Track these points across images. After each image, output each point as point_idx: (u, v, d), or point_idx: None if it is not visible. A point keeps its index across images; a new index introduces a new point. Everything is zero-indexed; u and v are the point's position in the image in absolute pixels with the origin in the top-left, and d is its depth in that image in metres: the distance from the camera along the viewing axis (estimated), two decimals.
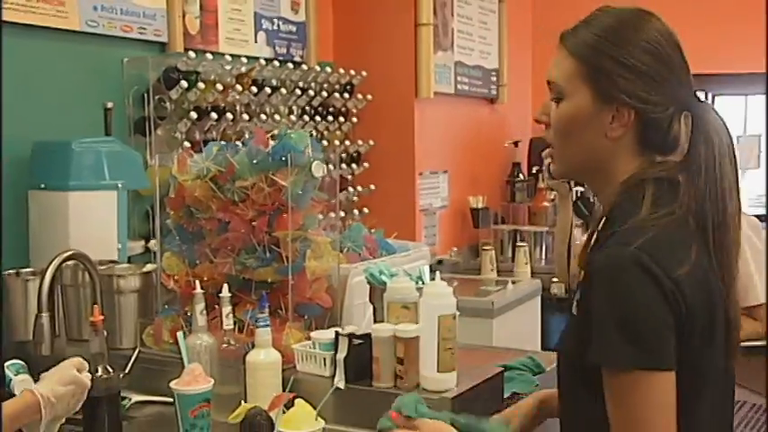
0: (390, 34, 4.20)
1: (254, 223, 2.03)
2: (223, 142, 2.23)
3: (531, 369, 2.34)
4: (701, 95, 1.32)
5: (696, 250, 1.20)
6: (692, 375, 1.19)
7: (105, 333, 1.74)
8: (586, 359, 1.20)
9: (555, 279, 4.11)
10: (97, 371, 1.71)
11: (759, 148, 6.45)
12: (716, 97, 6.28)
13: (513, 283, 3.88)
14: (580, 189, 2.25)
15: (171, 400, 2.03)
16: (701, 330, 1.19)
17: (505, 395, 2.04)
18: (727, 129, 1.30)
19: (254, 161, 2.01)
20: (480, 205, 4.59)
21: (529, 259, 4.24)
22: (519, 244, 4.30)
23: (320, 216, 2.09)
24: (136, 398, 2.03)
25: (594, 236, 1.31)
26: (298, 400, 1.62)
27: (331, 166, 2.20)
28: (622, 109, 1.27)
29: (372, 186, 4.13)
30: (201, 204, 2.11)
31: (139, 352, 2.11)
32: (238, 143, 2.16)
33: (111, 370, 1.73)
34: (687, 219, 1.23)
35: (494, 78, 4.93)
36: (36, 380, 1.64)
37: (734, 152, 1.28)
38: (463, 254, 4.46)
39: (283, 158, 1.98)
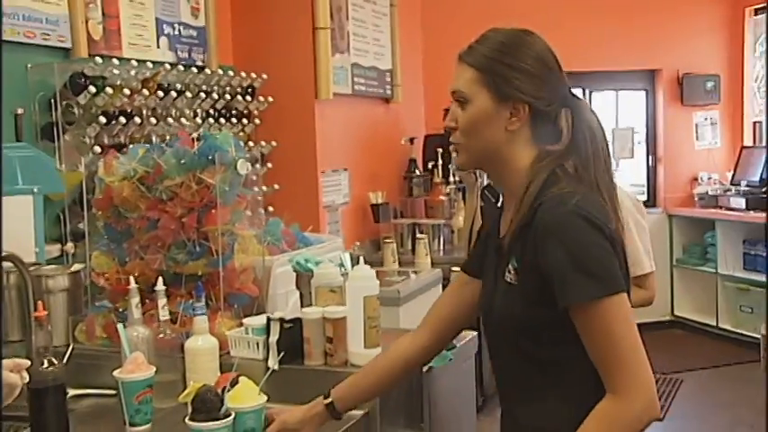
0: (289, 38, 4.34)
1: (183, 220, 2.14)
2: (148, 145, 2.32)
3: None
4: (578, 91, 1.56)
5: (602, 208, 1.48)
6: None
7: (49, 327, 1.81)
8: (555, 307, 1.41)
9: (455, 268, 4.35)
10: (42, 363, 1.78)
11: (632, 139, 6.93)
12: (592, 93, 6.72)
13: (416, 273, 4.09)
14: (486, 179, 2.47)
15: (107, 392, 2.13)
16: (623, 263, 1.48)
17: (424, 369, 2.22)
18: (598, 121, 1.57)
19: (182, 161, 2.13)
20: (380, 201, 4.79)
21: (428, 250, 4.46)
22: (418, 236, 4.52)
23: (249, 212, 2.22)
24: (73, 392, 2.10)
25: (516, 211, 1.51)
26: (242, 378, 1.75)
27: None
28: (518, 105, 1.52)
29: (276, 186, 4.25)
30: (129, 204, 2.20)
31: (73, 348, 2.18)
32: (163, 145, 2.26)
33: (55, 362, 1.81)
34: (591, 189, 1.50)
35: (388, 79, 5.14)
36: None
37: (605, 140, 1.56)
38: (366, 247, 4.65)
39: (210, 158, 2.10)
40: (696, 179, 6.84)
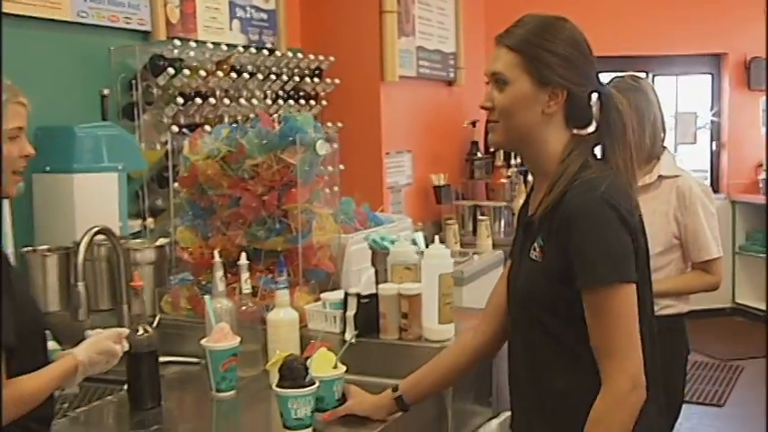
0: (356, 21, 4.41)
1: (264, 198, 2.24)
2: (235, 125, 2.42)
3: None
4: (641, 75, 1.61)
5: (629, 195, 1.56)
6: (638, 288, 1.52)
7: (143, 297, 1.93)
8: (575, 286, 1.49)
9: None
10: (137, 330, 1.90)
11: (695, 124, 6.85)
12: (655, 77, 6.65)
13: (477, 254, 4.15)
14: None
15: (191, 359, 2.25)
16: (641, 255, 1.55)
17: None
18: (626, 104, 1.64)
19: (264, 141, 2.22)
20: (442, 182, 4.84)
21: (490, 232, 4.50)
22: (480, 218, 4.56)
23: (328, 191, 2.30)
24: (160, 359, 2.22)
25: (547, 193, 1.58)
26: (321, 349, 1.84)
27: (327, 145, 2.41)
28: (557, 90, 1.58)
29: (341, 166, 4.33)
30: (213, 182, 2.31)
31: (160, 318, 2.30)
32: (246, 125, 2.35)
33: (149, 329, 1.93)
34: (618, 175, 1.57)
35: (451, 62, 5.18)
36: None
37: (632, 127, 1.63)
38: (428, 228, 4.71)
39: (291, 139, 2.19)
40: (761, 165, 6.73)
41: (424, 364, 2.03)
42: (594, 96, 1.62)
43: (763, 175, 6.65)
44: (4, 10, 2.79)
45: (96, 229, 2.17)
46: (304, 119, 2.23)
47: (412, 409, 1.90)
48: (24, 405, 1.53)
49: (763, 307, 6.42)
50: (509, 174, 5.02)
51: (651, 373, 1.53)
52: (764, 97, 6.70)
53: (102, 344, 1.74)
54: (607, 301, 1.48)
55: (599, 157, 1.63)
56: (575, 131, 1.63)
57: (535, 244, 1.58)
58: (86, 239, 2.11)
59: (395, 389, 1.84)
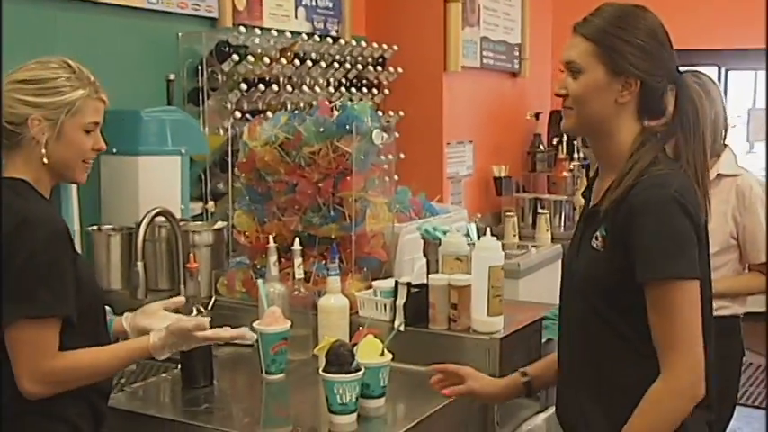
0: (420, 10, 4.41)
1: (319, 185, 2.27)
2: (290, 113, 2.45)
3: None
4: (713, 70, 1.60)
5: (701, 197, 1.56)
6: (701, 285, 1.52)
7: (199, 278, 1.98)
8: (635, 278, 1.49)
9: None
10: (192, 311, 1.96)
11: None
12: (728, 72, 6.47)
13: (536, 247, 4.12)
14: None
15: (245, 342, 2.29)
16: (703, 255, 1.55)
17: (543, 340, 2.29)
18: (700, 99, 1.65)
19: (321, 129, 2.25)
20: (503, 174, 4.82)
21: (549, 226, 4.46)
22: (540, 211, 4.52)
23: (387, 179, 2.32)
24: None
25: (616, 185, 1.57)
26: (368, 336, 1.87)
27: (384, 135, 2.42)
28: (630, 80, 1.58)
29: (402, 155, 4.35)
30: (270, 168, 2.35)
31: (215, 299, 2.36)
32: (303, 113, 2.39)
33: (203, 310, 1.98)
34: (687, 171, 1.57)
35: (516, 53, 5.14)
36: None
37: (705, 119, 1.65)
38: (487, 220, 4.69)
39: (347, 127, 2.22)
40: None
41: (470, 355, 2.05)
42: (670, 88, 1.61)
43: None
44: None
45: (156, 210, 2.23)
46: (361, 108, 2.26)
47: (457, 404, 1.92)
48: (85, 377, 1.60)
49: None
50: (571, 167, 4.96)
51: (706, 371, 1.52)
52: None
53: (183, 329, 1.73)
54: (670, 296, 1.49)
55: (669, 151, 1.62)
56: (646, 123, 1.62)
57: (597, 233, 1.58)
58: (146, 221, 2.18)
59: (524, 374, 1.84)
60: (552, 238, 4.39)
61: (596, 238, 1.58)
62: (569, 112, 1.64)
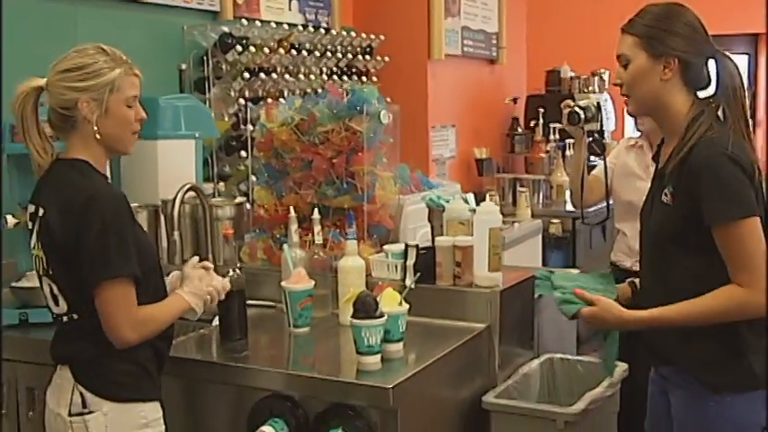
0: (405, 1, 4.68)
1: (333, 161, 2.53)
2: (311, 95, 2.69)
3: (550, 279, 2.88)
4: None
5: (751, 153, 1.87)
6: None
7: (235, 243, 2.22)
8: (703, 223, 1.79)
9: (553, 220, 4.66)
10: (229, 272, 2.20)
11: None
12: None
13: (518, 222, 4.42)
14: (595, 132, 2.77)
15: (268, 303, 2.55)
16: (761, 201, 1.83)
17: (535, 296, 2.57)
18: (738, 69, 1.92)
19: (334, 111, 2.50)
20: (484, 156, 5.11)
21: (529, 203, 4.75)
22: (520, 189, 4.82)
23: (384, 160, 2.58)
24: None
25: (678, 149, 1.87)
26: (387, 289, 2.13)
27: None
28: (669, 59, 1.89)
29: (391, 139, 4.61)
30: (287, 147, 2.60)
31: (240, 266, 2.60)
32: (317, 97, 2.64)
33: (239, 272, 2.23)
34: (735, 131, 1.86)
35: (494, 41, 5.42)
36: None
37: (743, 86, 1.92)
38: None
39: (358, 108, 2.47)
40: None
41: (474, 307, 2.33)
42: (712, 63, 1.90)
43: None
44: None
45: (188, 186, 2.48)
46: (370, 91, 2.52)
47: (463, 348, 2.20)
48: (160, 326, 1.85)
49: None
50: (548, 149, 5.26)
51: None
52: None
53: (213, 290, 2.00)
54: (737, 233, 1.78)
55: (720, 118, 1.89)
56: (698, 94, 1.91)
57: (666, 190, 1.88)
58: (180, 195, 2.42)
59: (632, 282, 2.15)
60: (532, 214, 4.68)
61: (665, 195, 1.89)
62: (629, 99, 1.95)
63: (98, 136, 1.86)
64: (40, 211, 1.84)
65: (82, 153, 1.88)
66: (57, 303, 1.85)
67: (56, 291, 1.84)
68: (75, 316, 1.83)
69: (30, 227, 1.90)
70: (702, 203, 1.80)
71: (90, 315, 1.79)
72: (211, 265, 2.06)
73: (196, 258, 2.08)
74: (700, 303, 1.82)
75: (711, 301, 1.82)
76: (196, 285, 1.96)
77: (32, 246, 1.89)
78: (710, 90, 1.91)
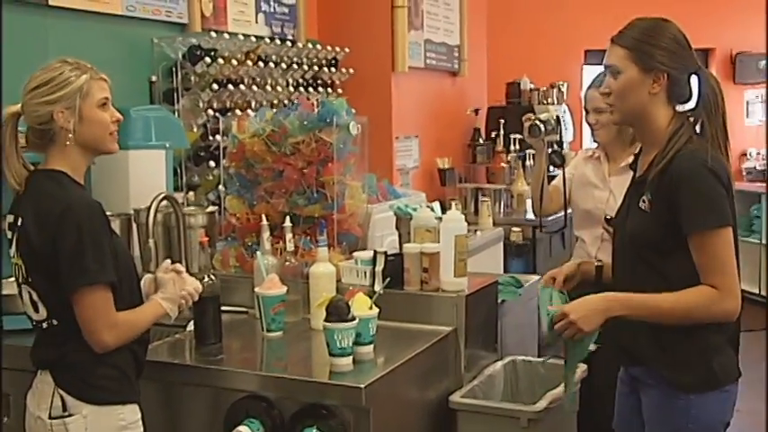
0: (369, 15, 4.78)
1: (304, 171, 2.61)
2: (285, 107, 2.77)
3: (513, 284, 3.01)
4: None
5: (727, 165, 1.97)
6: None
7: (209, 250, 2.29)
8: (679, 230, 1.89)
9: (514, 229, 4.79)
10: (203, 278, 2.27)
11: None
12: None
13: (480, 231, 4.53)
14: (555, 144, 2.90)
15: (239, 309, 2.62)
16: (733, 209, 1.94)
17: (499, 300, 2.68)
18: (718, 85, 2.03)
19: (305, 122, 2.59)
20: (446, 166, 5.22)
21: (491, 212, 4.87)
22: (482, 199, 4.93)
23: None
24: None
25: (659, 159, 1.97)
26: (358, 294, 2.21)
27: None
28: (659, 74, 1.98)
29: (358, 149, 4.69)
30: (258, 157, 2.68)
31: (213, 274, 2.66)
32: (287, 109, 2.72)
33: (213, 278, 2.30)
34: (713, 144, 1.96)
35: (456, 54, 5.55)
36: None
37: (723, 100, 2.02)
38: None
39: (328, 120, 2.56)
40: (745, 154, 7.13)
41: (440, 311, 2.42)
42: (694, 78, 2.00)
43: (746, 164, 7.05)
44: (66, 5, 3.16)
45: (162, 195, 2.54)
46: (339, 103, 2.60)
47: (430, 351, 2.29)
48: (137, 331, 1.92)
49: (744, 287, 6.81)
50: (508, 159, 5.40)
51: None
52: (763, 90, 7.05)
53: (185, 292, 2.06)
54: (712, 241, 1.88)
55: (699, 132, 1.99)
56: (677, 108, 2.01)
57: (644, 197, 1.97)
58: (155, 204, 2.48)
59: (599, 260, 2.32)
60: (494, 223, 4.80)
61: (643, 201, 1.99)
62: (613, 108, 2.04)
63: (71, 142, 1.91)
64: (19, 221, 1.89)
65: (60, 164, 1.94)
66: (36, 310, 1.91)
67: (35, 297, 1.89)
68: (55, 322, 1.89)
69: (9, 236, 1.95)
70: (681, 212, 1.90)
71: (69, 321, 1.85)
72: (183, 268, 2.12)
73: (168, 262, 2.15)
74: (674, 295, 1.91)
75: (685, 295, 1.91)
76: (170, 290, 2.02)
77: (12, 255, 1.94)
78: (691, 104, 2.01)
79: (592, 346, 2.03)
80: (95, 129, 1.95)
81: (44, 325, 1.90)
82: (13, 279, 2.50)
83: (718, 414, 1.98)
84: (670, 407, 1.98)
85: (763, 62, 7.03)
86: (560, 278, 2.21)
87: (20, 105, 1.94)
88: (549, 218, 3.40)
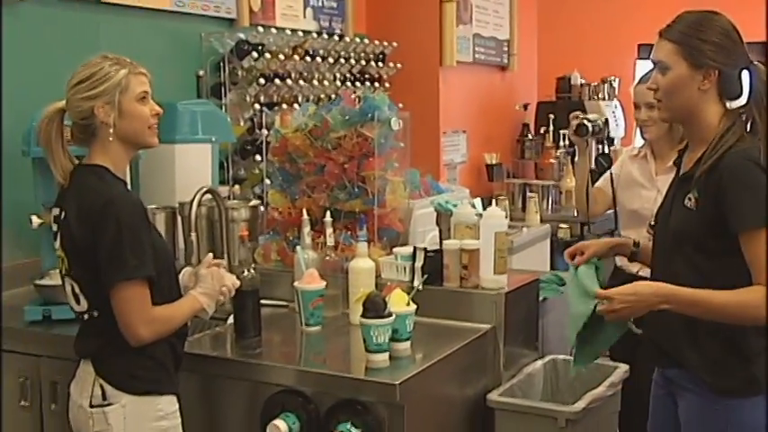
0: (417, 9, 4.77)
1: (345, 166, 2.62)
2: (322, 103, 2.78)
3: (556, 282, 2.97)
4: None
5: None
6: None
7: (250, 244, 2.31)
8: (726, 228, 1.84)
9: (562, 225, 4.73)
10: (244, 272, 2.29)
11: None
12: None
13: (527, 227, 4.49)
14: (602, 144, 2.87)
15: (281, 303, 2.64)
16: None
17: (540, 298, 2.65)
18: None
19: (346, 117, 2.59)
20: (494, 161, 5.19)
21: (538, 208, 4.82)
22: (529, 195, 4.89)
23: (396, 163, 2.67)
24: None
25: (708, 156, 1.91)
26: (396, 290, 2.21)
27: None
28: (710, 71, 1.92)
29: (402, 144, 4.69)
30: (301, 152, 2.69)
31: (254, 267, 2.69)
32: (330, 104, 2.73)
33: (253, 272, 2.32)
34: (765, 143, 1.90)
35: (505, 48, 5.50)
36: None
37: None
38: None
39: (369, 115, 2.56)
40: None
41: (479, 308, 2.41)
42: (745, 73, 1.93)
43: None
44: (117, 1, 3.22)
45: (205, 189, 2.56)
46: (381, 99, 2.60)
47: (468, 348, 2.28)
48: (175, 325, 1.95)
49: None
50: (557, 155, 5.33)
51: None
52: None
53: (222, 289, 2.10)
54: (760, 239, 1.82)
55: (749, 129, 1.93)
56: (728, 104, 1.95)
57: (690, 195, 1.92)
58: (198, 197, 2.51)
59: (636, 244, 2.26)
60: (541, 219, 4.75)
61: (689, 199, 1.93)
62: (661, 104, 1.99)
63: (112, 137, 1.95)
64: (62, 215, 1.94)
65: (102, 159, 1.98)
66: (78, 302, 1.95)
67: (77, 290, 1.94)
68: (96, 313, 1.93)
69: (55, 229, 2.00)
70: (730, 210, 1.85)
71: (109, 313, 1.88)
72: (224, 262, 2.15)
73: (210, 255, 2.18)
74: (725, 293, 1.84)
75: (738, 293, 1.84)
76: (209, 285, 2.05)
77: (56, 247, 1.98)
78: (742, 100, 1.95)
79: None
80: (135, 123, 1.98)
81: (85, 316, 1.95)
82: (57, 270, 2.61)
83: (759, 420, 1.91)
84: (709, 412, 1.93)
85: None
86: (585, 258, 2.18)
87: (64, 101, 1.99)
88: (597, 219, 3.34)
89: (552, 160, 5.31)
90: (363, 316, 2.08)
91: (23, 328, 2.47)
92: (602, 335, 2.10)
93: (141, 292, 1.87)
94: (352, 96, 2.67)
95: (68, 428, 2.05)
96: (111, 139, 1.95)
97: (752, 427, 1.92)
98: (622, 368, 2.47)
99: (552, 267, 4.49)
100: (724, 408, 1.91)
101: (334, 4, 4.49)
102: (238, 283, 2.13)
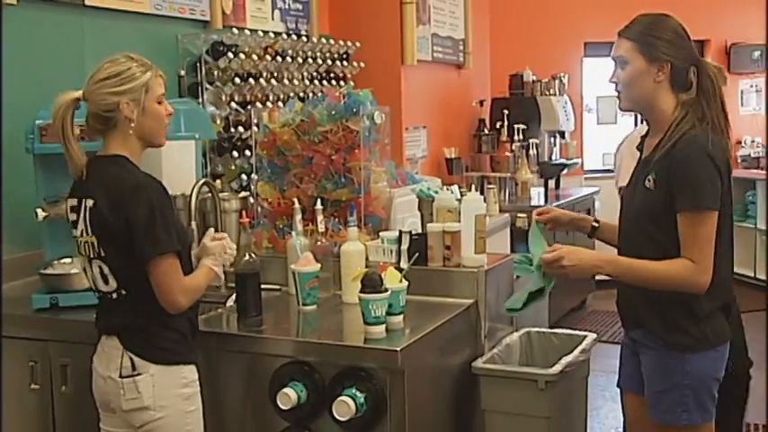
0: (379, 11, 4.98)
1: (332, 158, 2.81)
2: (290, 97, 2.96)
3: (527, 262, 3.19)
4: None
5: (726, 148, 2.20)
6: (719, 217, 2.14)
7: (249, 230, 2.49)
8: (675, 207, 2.11)
9: (520, 215, 4.99)
10: (245, 256, 2.47)
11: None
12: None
13: (488, 217, 4.72)
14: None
15: (274, 287, 2.81)
16: (725, 194, 2.15)
17: (514, 276, 2.88)
18: (720, 72, 2.25)
19: (333, 112, 2.78)
20: (453, 156, 5.43)
21: (497, 199, 5.07)
22: (488, 186, 5.13)
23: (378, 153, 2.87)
24: None
25: (664, 142, 2.18)
26: (389, 268, 2.41)
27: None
28: (663, 64, 2.19)
29: (383, 138, 4.86)
30: (289, 145, 2.87)
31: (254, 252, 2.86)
32: (315, 100, 2.92)
33: (255, 256, 2.49)
34: (714, 129, 2.17)
35: (461, 47, 5.75)
36: None
37: (720, 87, 2.23)
38: None
39: (355, 110, 2.76)
40: (740, 142, 7.34)
41: (461, 285, 2.62)
42: (694, 69, 2.20)
43: (741, 152, 7.26)
44: (101, 4, 3.35)
45: (202, 181, 2.73)
46: (364, 95, 2.80)
47: (454, 321, 2.49)
48: (200, 292, 2.14)
49: (739, 270, 7.02)
50: (512, 148, 5.60)
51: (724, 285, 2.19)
52: (757, 80, 7.26)
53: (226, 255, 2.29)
54: (696, 221, 2.11)
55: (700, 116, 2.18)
56: (680, 96, 2.21)
57: (650, 176, 2.18)
58: (197, 189, 2.67)
59: (596, 221, 2.52)
60: (500, 209, 5.00)
61: (648, 181, 2.20)
62: (621, 95, 2.25)
63: (133, 132, 2.11)
64: (89, 203, 2.08)
65: (120, 149, 2.13)
66: (106, 282, 2.10)
67: (106, 271, 2.09)
68: (124, 292, 2.08)
69: (74, 218, 2.14)
70: (676, 192, 2.12)
71: (137, 290, 2.05)
72: (225, 235, 2.34)
73: (212, 230, 2.37)
74: (657, 263, 2.15)
75: (666, 264, 2.14)
76: (218, 254, 2.25)
77: (80, 233, 2.12)
78: (692, 92, 2.21)
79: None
80: (154, 122, 2.14)
81: (113, 295, 2.10)
82: (65, 260, 2.74)
83: (710, 371, 2.21)
84: (667, 365, 2.21)
85: (757, 53, 7.24)
86: (547, 216, 2.46)
87: (81, 93, 2.12)
88: None
89: (507, 153, 5.57)
90: (362, 291, 2.27)
91: (31, 315, 2.61)
92: (529, 283, 2.37)
93: (175, 265, 2.05)
94: (337, 93, 2.86)
95: (78, 409, 2.18)
96: (130, 132, 2.11)
97: (705, 377, 2.21)
98: (591, 336, 2.71)
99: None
100: (680, 361, 2.19)
101: (300, 6, 4.68)
102: (234, 246, 2.31)
